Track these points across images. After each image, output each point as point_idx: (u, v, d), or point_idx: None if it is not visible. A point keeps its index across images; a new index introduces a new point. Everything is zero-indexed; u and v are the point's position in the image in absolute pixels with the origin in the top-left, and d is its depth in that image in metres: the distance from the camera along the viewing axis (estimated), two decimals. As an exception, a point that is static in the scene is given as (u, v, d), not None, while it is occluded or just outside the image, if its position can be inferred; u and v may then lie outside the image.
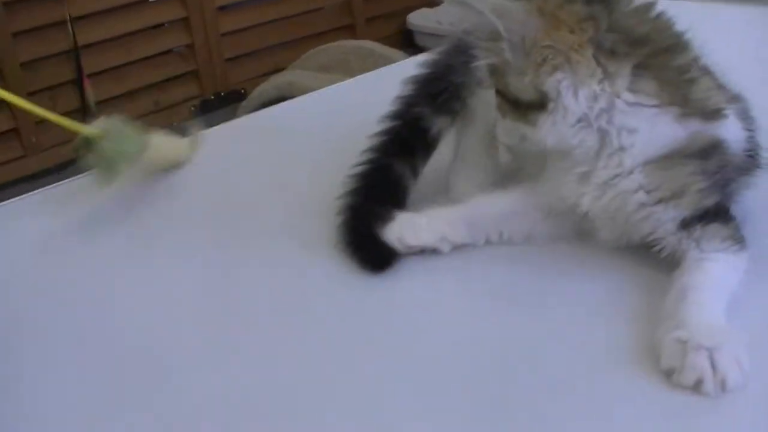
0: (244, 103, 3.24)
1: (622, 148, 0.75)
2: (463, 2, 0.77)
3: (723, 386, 0.65)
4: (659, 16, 0.78)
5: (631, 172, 0.76)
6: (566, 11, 0.74)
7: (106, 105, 3.19)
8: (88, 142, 0.93)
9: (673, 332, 0.68)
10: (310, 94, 1.48)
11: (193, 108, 3.62)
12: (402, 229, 0.84)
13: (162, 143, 1.07)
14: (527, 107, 0.76)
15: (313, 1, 4.03)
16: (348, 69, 3.22)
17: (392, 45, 3.72)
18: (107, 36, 3.32)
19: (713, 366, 0.65)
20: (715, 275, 0.73)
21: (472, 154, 0.96)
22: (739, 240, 0.76)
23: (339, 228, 0.91)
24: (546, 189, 0.83)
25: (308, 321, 0.82)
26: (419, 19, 4.29)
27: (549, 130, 0.75)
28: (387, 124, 0.96)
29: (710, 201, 0.75)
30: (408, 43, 4.23)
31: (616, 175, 0.76)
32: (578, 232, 0.85)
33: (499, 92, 0.80)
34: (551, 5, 0.75)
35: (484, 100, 0.92)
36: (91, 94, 3.16)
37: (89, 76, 3.22)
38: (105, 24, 3.30)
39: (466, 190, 0.92)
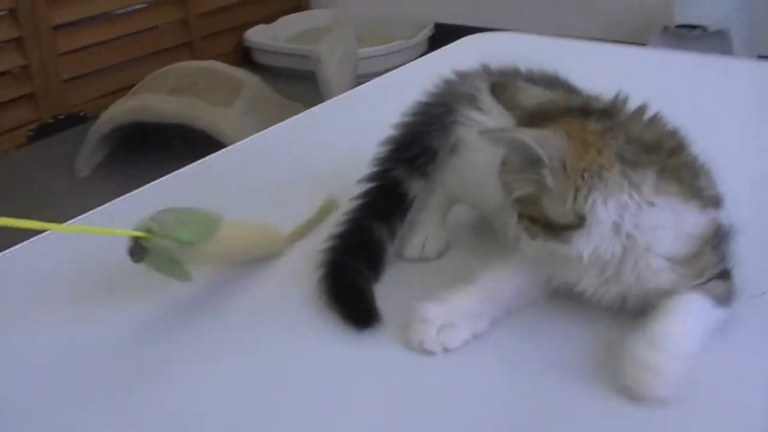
0: (94, 127, 3.15)
1: (648, 249, 0.79)
2: (503, 137, 0.81)
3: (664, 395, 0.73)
4: (656, 118, 0.84)
5: (659, 271, 0.80)
6: (589, 131, 0.79)
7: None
8: (139, 245, 0.83)
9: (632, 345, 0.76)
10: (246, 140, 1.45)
11: (30, 132, 3.48)
12: (422, 336, 0.82)
13: (236, 230, 0.93)
14: (563, 228, 0.79)
15: (150, 19, 3.98)
16: (198, 91, 3.20)
17: (231, 62, 3.72)
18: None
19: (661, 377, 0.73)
20: (692, 310, 0.80)
21: (431, 221, 1.01)
22: (725, 299, 0.82)
23: (320, 281, 0.93)
24: (557, 275, 0.86)
25: (294, 378, 0.82)
26: (256, 35, 4.31)
27: (584, 245, 0.79)
28: (365, 187, 0.99)
29: (719, 269, 0.82)
30: (246, 59, 4.24)
31: (642, 276, 0.80)
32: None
33: (529, 218, 0.82)
34: (575, 128, 0.79)
35: (449, 167, 0.98)
36: None
37: None
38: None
39: (417, 254, 0.98)
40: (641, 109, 0.83)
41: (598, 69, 1.14)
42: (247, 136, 3.00)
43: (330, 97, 3.03)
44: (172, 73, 3.33)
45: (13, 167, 3.32)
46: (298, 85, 3.83)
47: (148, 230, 0.81)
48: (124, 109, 3.11)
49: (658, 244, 0.80)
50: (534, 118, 0.82)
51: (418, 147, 0.98)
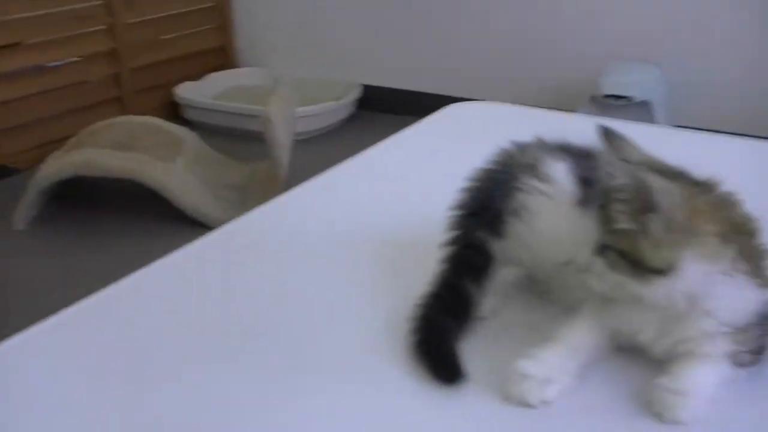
0: (34, 180, 3.11)
1: (708, 313, 0.89)
2: (634, 175, 0.89)
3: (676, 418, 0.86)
4: (738, 203, 0.94)
5: (710, 334, 0.90)
6: (702, 200, 0.90)
7: None
8: None
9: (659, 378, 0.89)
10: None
11: (-41, 185, 3.41)
12: (525, 391, 0.90)
13: None
14: (649, 271, 0.88)
15: (81, 73, 3.97)
16: (142, 147, 3.21)
17: (161, 117, 3.73)
18: None
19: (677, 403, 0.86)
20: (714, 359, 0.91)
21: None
22: (745, 366, 0.92)
23: (411, 335, 0.98)
24: (619, 325, 0.95)
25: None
26: (185, 91, 4.34)
27: (659, 291, 0.89)
28: (452, 249, 1.07)
29: (758, 344, 0.92)
30: (175, 115, 4.25)
31: (695, 336, 0.90)
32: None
33: (618, 251, 0.90)
34: (691, 192, 0.90)
35: (510, 232, 1.06)
36: None
37: None
38: None
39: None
40: (731, 193, 0.94)
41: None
42: (192, 191, 3.07)
43: (278, 156, 3.12)
44: (113, 128, 3.32)
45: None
46: (228, 141, 3.88)
47: None
48: (68, 162, 3.08)
49: (717, 311, 0.90)
50: (649, 171, 0.91)
51: (492, 210, 1.06)
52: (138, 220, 3.17)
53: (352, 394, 0.94)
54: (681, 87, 3.66)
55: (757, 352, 0.93)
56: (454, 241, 1.07)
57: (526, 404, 0.90)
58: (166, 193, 3.06)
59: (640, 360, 0.95)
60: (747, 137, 1.79)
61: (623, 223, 0.89)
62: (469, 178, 1.11)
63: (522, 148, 1.12)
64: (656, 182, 0.87)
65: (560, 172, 1.05)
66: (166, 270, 1.21)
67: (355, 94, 4.35)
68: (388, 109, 4.17)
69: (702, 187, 0.93)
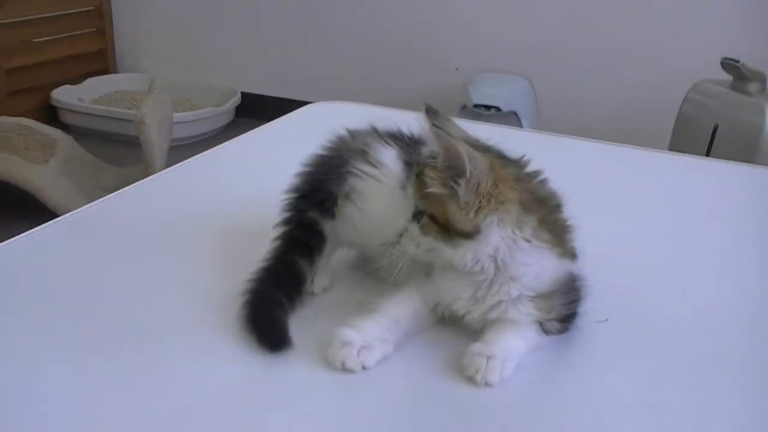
0: None
1: (513, 278, 0.98)
2: (446, 142, 0.95)
3: (486, 381, 0.93)
4: (545, 180, 1.03)
5: (517, 300, 0.98)
6: (506, 172, 0.97)
7: None
8: None
9: (472, 345, 0.97)
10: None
11: None
12: (345, 356, 0.96)
13: None
14: (457, 234, 0.95)
15: (-50, 73, 3.89)
16: (13, 147, 3.18)
17: (37, 120, 3.68)
18: None
19: (487, 366, 0.94)
20: (522, 326, 1.00)
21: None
22: (553, 333, 1.01)
23: (241, 308, 1.02)
24: (437, 297, 1.03)
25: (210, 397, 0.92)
26: (62, 95, 4.29)
27: (467, 254, 0.96)
28: (284, 228, 1.12)
29: (564, 312, 1.01)
30: (53, 118, 4.20)
31: (504, 301, 0.99)
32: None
33: (429, 215, 0.98)
34: (498, 163, 0.97)
35: (341, 214, 1.11)
36: None
37: None
38: None
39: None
40: (537, 171, 1.03)
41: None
42: (64, 194, 3.05)
43: (152, 158, 3.12)
44: (-17, 129, 3.28)
45: None
46: (106, 146, 3.86)
47: None
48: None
49: (522, 277, 0.98)
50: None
51: (323, 193, 1.12)
52: (7, 223, 3.10)
53: (177, 358, 0.98)
54: (548, 99, 3.82)
55: (563, 321, 1.02)
56: (287, 222, 1.12)
57: (346, 369, 0.95)
58: (37, 193, 3.03)
59: (459, 332, 1.03)
60: (609, 144, 1.90)
61: (434, 188, 0.96)
62: (304, 163, 1.16)
63: (354, 134, 1.17)
64: (465, 149, 0.94)
65: (388, 157, 1.11)
66: (13, 252, 1.23)
67: (234, 101, 4.38)
68: (266, 116, 4.18)
69: (511, 163, 1.01)
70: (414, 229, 1.00)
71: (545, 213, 0.99)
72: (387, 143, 1.14)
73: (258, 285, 1.05)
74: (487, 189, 0.95)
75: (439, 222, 0.97)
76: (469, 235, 0.95)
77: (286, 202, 1.14)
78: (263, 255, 1.10)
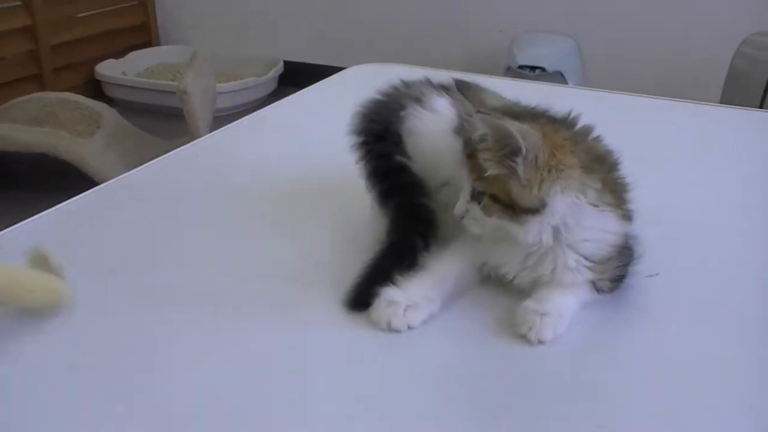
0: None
1: (571, 245, 0.95)
2: (493, 123, 0.91)
3: (540, 338, 0.92)
4: (599, 137, 0.99)
5: (573, 269, 0.95)
6: (560, 136, 0.93)
7: None
8: None
9: (525, 302, 0.95)
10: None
11: None
12: (390, 316, 0.94)
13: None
14: (523, 211, 0.92)
15: (-1, 50, 3.93)
16: (59, 122, 3.20)
17: (82, 95, 3.71)
18: None
19: (541, 323, 0.92)
20: (575, 286, 0.97)
21: None
22: (604, 292, 0.99)
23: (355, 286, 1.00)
24: (485, 258, 1.00)
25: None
26: (106, 69, 4.32)
27: (535, 229, 0.93)
28: (376, 175, 1.10)
29: (616, 274, 0.99)
30: (97, 92, 4.23)
31: (558, 267, 0.96)
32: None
33: (492, 196, 0.94)
34: (550, 130, 0.93)
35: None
36: None
37: None
38: None
39: None
40: (589, 128, 0.99)
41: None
42: (110, 167, 3.08)
43: (196, 129, 3.13)
44: (29, 104, 3.30)
45: None
46: (150, 119, 3.88)
47: None
48: (-18, 138, 3.06)
49: (582, 243, 0.95)
50: (506, 115, 0.94)
51: (395, 134, 1.10)
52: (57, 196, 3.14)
53: (255, 323, 0.97)
54: (594, 58, 3.76)
55: (615, 280, 0.99)
56: (378, 172, 1.10)
57: (391, 329, 0.94)
58: (84, 167, 3.06)
59: (507, 291, 1.00)
60: (656, 97, 1.86)
61: (492, 170, 0.92)
62: (362, 105, 1.15)
63: (409, 84, 1.17)
64: (514, 126, 0.90)
65: (441, 105, 1.10)
66: (61, 218, 1.23)
67: (277, 70, 4.37)
68: (310, 84, 4.19)
69: (561, 124, 0.98)
70: (475, 210, 0.97)
71: (605, 173, 0.96)
72: (440, 93, 1.13)
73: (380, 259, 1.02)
74: (546, 160, 0.91)
75: (503, 201, 0.94)
76: (536, 210, 0.92)
77: (362, 146, 1.13)
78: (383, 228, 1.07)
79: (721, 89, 3.01)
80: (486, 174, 0.93)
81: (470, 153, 0.96)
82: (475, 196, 0.97)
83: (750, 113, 1.83)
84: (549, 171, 0.91)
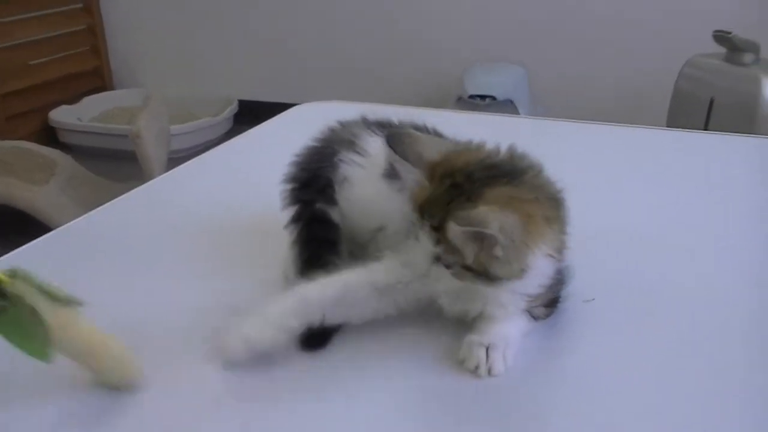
0: None
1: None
2: (463, 220, 0.87)
3: (490, 371, 0.91)
4: (545, 174, 0.98)
5: (509, 302, 0.95)
6: (525, 199, 0.91)
7: None
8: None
9: (468, 336, 0.94)
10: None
11: None
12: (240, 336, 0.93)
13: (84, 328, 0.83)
14: (503, 280, 0.90)
15: (-52, 101, 3.90)
16: (12, 170, 3.18)
17: (37, 142, 3.70)
18: None
19: (486, 357, 0.91)
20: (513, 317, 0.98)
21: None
22: (540, 318, 1.00)
23: None
24: (420, 293, 0.99)
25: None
26: (60, 115, 4.30)
27: (513, 287, 0.93)
28: (299, 227, 1.10)
29: (550, 298, 0.99)
30: (52, 139, 4.21)
31: (492, 302, 0.96)
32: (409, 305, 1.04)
33: (466, 267, 0.91)
34: (515, 196, 0.90)
35: None
36: None
37: None
38: None
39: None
40: (538, 166, 0.98)
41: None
42: (66, 214, 3.05)
43: (150, 171, 3.13)
44: (-19, 154, 3.29)
45: None
46: (106, 163, 3.86)
47: (12, 274, 0.67)
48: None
49: (523, 285, 0.94)
50: (446, 175, 0.93)
51: (323, 179, 1.10)
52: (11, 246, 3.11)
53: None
54: (543, 84, 3.81)
55: (549, 305, 1.00)
56: (298, 217, 1.11)
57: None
58: (38, 214, 3.05)
59: (442, 319, 1.00)
60: (607, 124, 1.89)
61: (469, 258, 0.90)
62: (297, 154, 1.15)
63: (344, 125, 1.17)
64: (490, 224, 0.87)
65: (374, 147, 1.10)
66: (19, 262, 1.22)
67: (231, 109, 4.38)
68: (264, 122, 4.21)
69: (517, 177, 0.94)
70: (441, 273, 0.94)
71: (561, 218, 0.96)
72: (374, 132, 1.13)
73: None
74: (522, 239, 0.89)
75: (477, 271, 0.91)
76: (517, 278, 0.91)
77: (289, 193, 1.13)
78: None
79: (667, 111, 3.08)
80: (466, 263, 0.91)
81: (436, 227, 0.92)
82: (438, 259, 0.93)
83: (695, 135, 1.88)
84: (526, 245, 0.90)
